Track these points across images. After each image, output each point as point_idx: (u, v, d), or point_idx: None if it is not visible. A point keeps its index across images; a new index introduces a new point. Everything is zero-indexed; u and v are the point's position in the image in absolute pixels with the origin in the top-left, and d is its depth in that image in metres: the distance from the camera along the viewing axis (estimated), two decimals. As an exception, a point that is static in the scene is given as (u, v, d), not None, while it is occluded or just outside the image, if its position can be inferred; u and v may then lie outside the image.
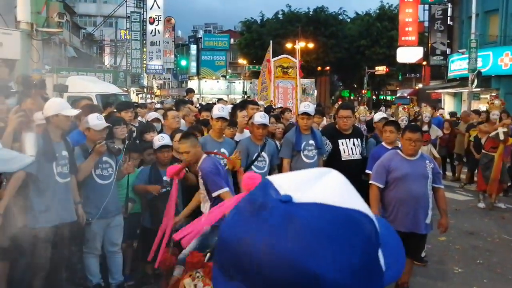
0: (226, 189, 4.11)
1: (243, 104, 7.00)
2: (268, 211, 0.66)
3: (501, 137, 8.67)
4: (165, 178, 4.97)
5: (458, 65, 24.24)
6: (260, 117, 5.31)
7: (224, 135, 5.30)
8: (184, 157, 4.26)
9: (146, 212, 5.14)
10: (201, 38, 61.40)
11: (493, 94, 17.15)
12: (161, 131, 6.10)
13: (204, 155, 4.27)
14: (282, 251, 0.63)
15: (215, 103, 8.16)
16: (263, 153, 5.31)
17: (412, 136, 4.56)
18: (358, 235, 0.66)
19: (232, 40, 58.01)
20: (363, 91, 44.66)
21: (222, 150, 5.06)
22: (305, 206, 0.66)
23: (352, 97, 50.66)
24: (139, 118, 7.48)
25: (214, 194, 4.08)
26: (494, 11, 23.34)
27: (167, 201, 4.56)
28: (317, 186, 0.68)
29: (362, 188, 5.09)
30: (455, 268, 5.95)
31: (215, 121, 5.05)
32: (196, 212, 4.54)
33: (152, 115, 7.48)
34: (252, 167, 5.20)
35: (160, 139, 5.09)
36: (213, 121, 5.11)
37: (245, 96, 30.36)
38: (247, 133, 5.84)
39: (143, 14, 37.72)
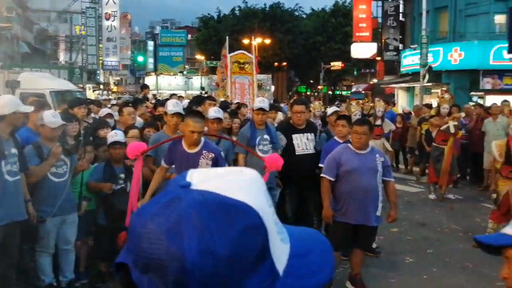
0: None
1: (200, 100, 6.99)
2: (165, 194, 0.70)
3: (452, 130, 8.93)
4: (121, 175, 4.93)
5: (410, 61, 24.96)
6: (214, 112, 5.35)
7: (178, 131, 5.28)
8: (195, 137, 4.23)
9: (100, 209, 5.08)
10: (158, 34, 60.72)
11: (443, 88, 17.75)
12: (114, 127, 6.03)
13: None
14: (156, 229, 0.66)
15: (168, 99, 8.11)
16: (218, 148, 5.32)
17: (358, 129, 4.67)
18: (233, 226, 0.66)
19: (189, 36, 57.58)
20: (320, 87, 45.26)
21: None
22: (196, 191, 0.68)
23: (308, 93, 51.25)
24: (92, 115, 7.36)
25: None
26: (444, 8, 24.18)
27: (122, 198, 4.51)
28: (223, 179, 0.71)
29: (316, 181, 5.22)
30: (406, 258, 6.12)
31: (170, 117, 5.00)
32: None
33: (104, 110, 7.37)
34: (207, 162, 5.20)
35: (113, 135, 5.03)
36: (167, 117, 5.06)
37: (203, 92, 30.21)
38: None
39: (98, 9, 36.97)
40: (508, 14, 18.23)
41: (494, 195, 6.60)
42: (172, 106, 5.06)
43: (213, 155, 4.30)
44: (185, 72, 55.23)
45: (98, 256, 5.19)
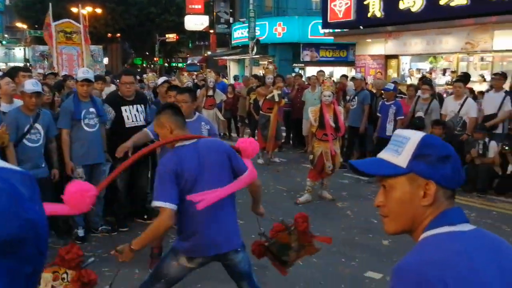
0: None
1: (12, 72, 6.40)
2: None
3: (276, 98, 9.60)
4: None
5: (240, 34, 25.95)
6: (31, 85, 4.95)
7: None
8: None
9: None
10: (-34, -3, 53.69)
11: (269, 60, 18.87)
12: None
13: None
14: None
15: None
16: (36, 125, 4.98)
17: (178, 97, 4.70)
18: (36, 189, 0.77)
19: (7, 1, 51.96)
20: (155, 59, 44.61)
21: None
22: None
23: (144, 65, 50.20)
24: None
25: None
26: (269, -17, 25.51)
27: None
28: None
29: (147, 154, 5.21)
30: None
31: None
32: None
33: None
34: (24, 140, 4.85)
35: None
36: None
37: (28, 64, 27.62)
38: (18, 103, 5.39)
39: None
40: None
41: (311, 156, 7.30)
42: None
43: None
44: (4, 42, 49.90)
45: None
